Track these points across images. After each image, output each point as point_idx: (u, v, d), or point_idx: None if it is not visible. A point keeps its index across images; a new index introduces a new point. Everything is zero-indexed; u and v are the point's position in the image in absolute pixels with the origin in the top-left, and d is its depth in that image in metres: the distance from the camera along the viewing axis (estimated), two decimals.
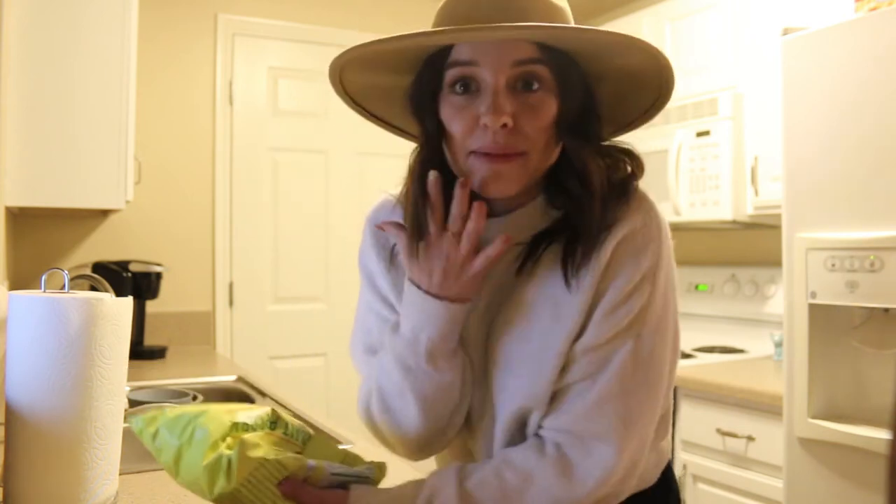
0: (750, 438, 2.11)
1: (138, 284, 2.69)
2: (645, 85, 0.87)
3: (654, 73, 0.85)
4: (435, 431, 0.90)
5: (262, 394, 2.08)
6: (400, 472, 1.08)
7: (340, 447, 0.92)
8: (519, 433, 0.89)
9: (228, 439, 0.80)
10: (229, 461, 0.77)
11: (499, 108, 0.80)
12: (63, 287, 1.01)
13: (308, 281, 3.29)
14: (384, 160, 3.28)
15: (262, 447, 0.80)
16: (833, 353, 1.83)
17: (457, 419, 0.91)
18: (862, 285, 1.71)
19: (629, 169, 0.89)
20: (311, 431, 0.89)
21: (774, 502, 2.02)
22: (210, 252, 3.12)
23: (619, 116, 0.93)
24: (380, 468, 0.89)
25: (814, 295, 1.81)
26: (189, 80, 3.08)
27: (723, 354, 2.64)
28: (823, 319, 1.83)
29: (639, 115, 0.92)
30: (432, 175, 0.84)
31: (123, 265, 2.68)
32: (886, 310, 1.76)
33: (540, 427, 0.87)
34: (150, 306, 2.83)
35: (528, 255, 0.87)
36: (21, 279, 2.61)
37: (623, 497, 0.89)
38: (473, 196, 0.85)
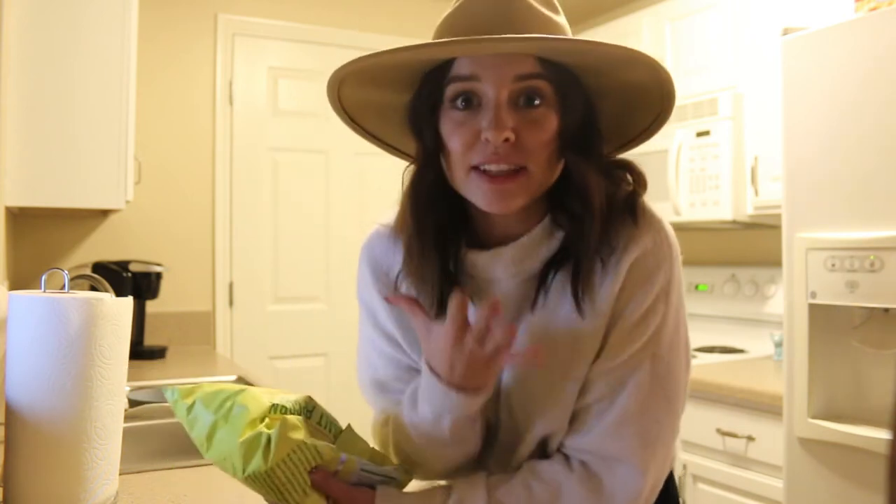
0: (750, 438, 2.11)
1: (138, 284, 2.69)
2: (646, 101, 0.87)
3: (656, 88, 0.84)
4: (454, 471, 0.91)
5: None
6: None
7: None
8: (538, 452, 0.89)
9: (267, 419, 0.80)
10: (269, 439, 0.77)
11: (501, 123, 0.79)
12: (63, 287, 1.01)
13: (308, 281, 3.29)
14: (384, 160, 3.23)
15: (302, 430, 0.80)
16: (833, 353, 1.83)
17: (476, 454, 0.91)
18: (862, 285, 1.71)
19: (631, 186, 0.88)
20: (342, 425, 0.88)
21: (774, 502, 2.02)
22: (210, 252, 3.12)
23: (621, 134, 0.92)
24: (407, 471, 0.88)
25: (814, 295, 1.81)
26: (189, 80, 3.08)
27: (723, 354, 2.64)
28: (823, 319, 1.82)
29: (640, 131, 0.92)
30: (458, 296, 0.80)
31: (123, 265, 2.68)
32: (886, 310, 1.76)
33: (561, 446, 0.87)
34: (150, 306, 2.83)
35: (539, 287, 0.87)
36: (21, 279, 2.61)
37: None
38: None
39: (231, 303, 3.15)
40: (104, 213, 2.84)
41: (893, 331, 1.76)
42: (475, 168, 0.82)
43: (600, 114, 0.88)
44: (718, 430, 2.19)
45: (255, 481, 0.78)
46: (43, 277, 1.01)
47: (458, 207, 0.89)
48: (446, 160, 0.85)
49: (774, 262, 2.39)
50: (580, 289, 0.84)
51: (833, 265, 1.77)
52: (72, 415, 0.94)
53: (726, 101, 2.51)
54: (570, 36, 0.86)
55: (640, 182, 0.88)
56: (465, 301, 0.80)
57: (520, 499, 0.83)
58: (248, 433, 0.78)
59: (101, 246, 2.88)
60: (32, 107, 2.23)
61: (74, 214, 2.76)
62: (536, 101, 0.81)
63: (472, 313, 0.83)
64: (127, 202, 2.38)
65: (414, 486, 0.90)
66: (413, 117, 0.88)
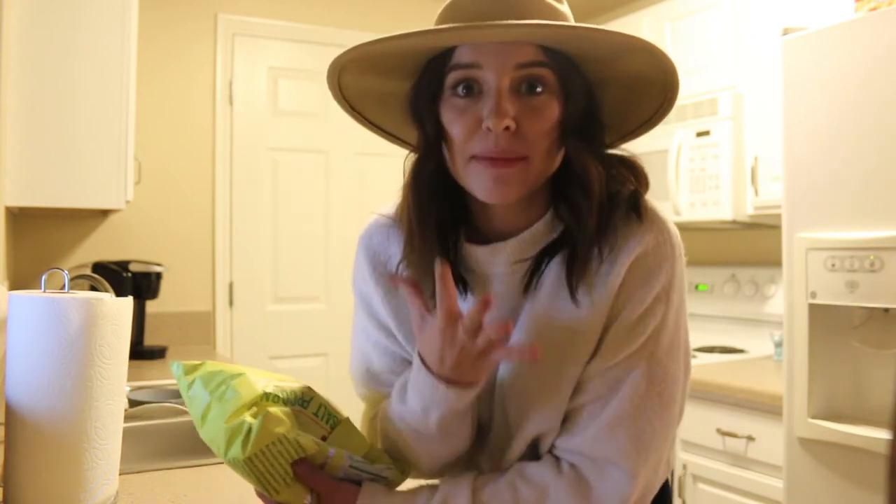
0: (750, 438, 2.11)
1: (138, 284, 2.69)
2: (648, 91, 0.86)
3: (659, 78, 0.83)
4: (442, 468, 0.90)
5: None
6: None
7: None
8: (529, 453, 0.88)
9: (254, 407, 0.80)
10: (250, 429, 0.77)
11: (502, 111, 0.78)
12: (63, 287, 1.01)
13: (308, 281, 3.29)
14: (384, 160, 3.26)
15: (286, 424, 0.79)
16: (833, 353, 1.83)
17: (465, 451, 0.90)
18: (862, 285, 1.71)
19: (633, 184, 0.87)
20: (341, 417, 0.87)
21: (774, 502, 2.02)
22: (210, 252, 3.12)
23: (623, 124, 0.91)
24: (401, 470, 0.88)
25: (814, 295, 1.81)
26: (189, 80, 3.08)
27: (723, 354, 2.64)
28: (823, 319, 1.82)
29: (642, 122, 0.91)
30: (439, 265, 0.79)
31: (123, 265, 2.68)
32: (886, 310, 1.76)
33: (553, 447, 0.86)
34: (150, 306, 2.83)
35: (533, 273, 0.86)
36: (21, 279, 2.61)
37: None
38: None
39: (231, 303, 3.15)
40: (104, 213, 2.84)
41: (893, 331, 1.76)
42: (475, 157, 0.81)
43: (602, 104, 0.87)
44: (718, 430, 2.19)
45: (235, 466, 0.79)
46: (43, 277, 1.01)
47: (459, 200, 0.88)
48: (448, 149, 0.84)
49: (774, 262, 2.39)
50: (575, 277, 0.83)
51: (833, 265, 1.77)
52: (72, 415, 0.94)
53: (726, 101, 2.51)
54: (572, 21, 0.86)
55: (641, 180, 0.87)
56: (448, 272, 0.78)
57: (505, 499, 0.82)
58: (234, 419, 0.78)
59: (101, 246, 2.88)
60: (32, 107, 2.23)
61: (74, 214, 2.76)
62: (538, 89, 0.81)
63: (502, 275, 0.83)
64: (127, 202, 2.38)
65: (407, 486, 0.89)
66: (414, 105, 0.87)
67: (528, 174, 0.81)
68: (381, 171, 3.31)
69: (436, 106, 0.85)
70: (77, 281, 1.56)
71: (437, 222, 0.86)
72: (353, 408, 0.98)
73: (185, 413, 1.61)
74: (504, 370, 0.88)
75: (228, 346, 3.14)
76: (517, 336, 0.86)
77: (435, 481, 0.88)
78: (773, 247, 2.26)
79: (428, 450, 0.86)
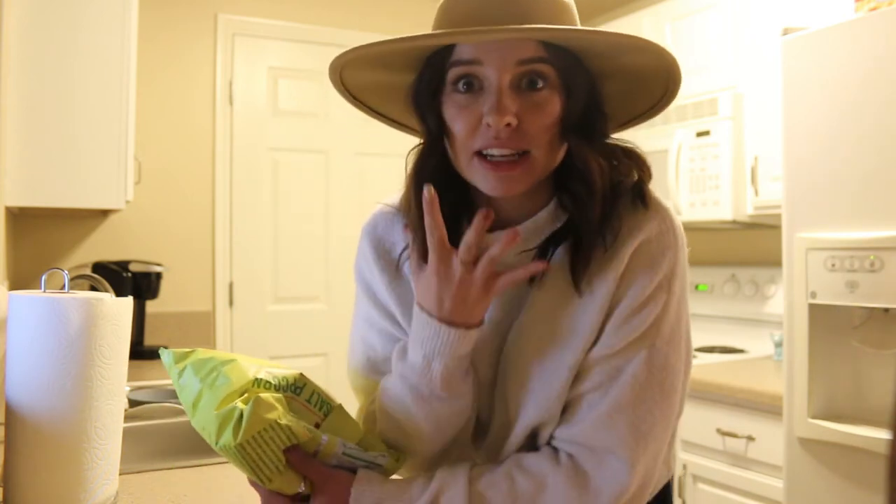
0: (750, 438, 2.11)
1: (138, 284, 2.69)
2: (651, 82, 0.86)
3: (661, 71, 0.84)
4: (441, 450, 0.89)
5: None
6: None
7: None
8: (528, 445, 0.87)
9: (246, 394, 0.79)
10: (241, 415, 0.76)
11: (503, 108, 0.78)
12: (63, 287, 1.01)
13: (308, 281, 3.29)
14: (384, 160, 3.28)
15: (278, 410, 0.79)
16: (833, 353, 1.83)
17: (463, 436, 0.89)
18: (862, 285, 1.71)
19: (636, 174, 0.87)
20: (334, 404, 0.86)
21: (774, 502, 2.02)
22: (210, 252, 3.12)
23: (624, 113, 0.92)
24: (396, 458, 0.87)
25: (814, 295, 1.81)
26: (189, 80, 3.08)
27: (723, 354, 2.64)
28: (823, 319, 1.82)
29: (644, 111, 0.91)
30: (427, 190, 0.78)
31: (123, 265, 2.68)
32: (886, 310, 1.76)
33: (552, 438, 0.85)
34: (150, 306, 2.83)
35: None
36: (21, 279, 2.61)
37: None
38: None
39: (231, 303, 3.15)
40: (104, 213, 2.84)
41: (893, 331, 1.76)
42: (478, 154, 0.81)
43: (604, 94, 0.87)
44: (718, 430, 2.19)
45: (227, 453, 0.78)
46: (43, 277, 1.01)
47: (463, 190, 0.88)
48: (450, 144, 0.85)
49: (774, 262, 2.39)
50: (579, 268, 0.83)
51: (833, 265, 1.77)
52: (72, 415, 0.94)
53: (726, 101, 2.51)
54: (575, 16, 0.86)
55: (644, 171, 0.88)
56: (436, 199, 0.77)
57: (501, 490, 0.81)
58: (225, 406, 0.77)
59: (101, 246, 2.88)
60: (32, 107, 2.23)
61: (74, 214, 2.76)
62: (539, 85, 0.81)
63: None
64: (127, 202, 2.38)
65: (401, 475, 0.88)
66: (416, 100, 0.88)
67: (531, 170, 0.82)
68: (381, 171, 3.31)
69: (437, 101, 0.85)
70: (77, 281, 1.56)
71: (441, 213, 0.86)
72: (352, 408, 0.97)
73: (185, 413, 1.61)
74: (506, 360, 0.87)
75: (228, 346, 3.14)
76: (520, 320, 0.86)
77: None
78: (773, 247, 2.26)
79: (429, 414, 0.84)
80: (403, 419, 0.86)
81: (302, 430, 0.79)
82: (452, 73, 0.83)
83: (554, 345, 0.84)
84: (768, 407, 2.04)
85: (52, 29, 2.25)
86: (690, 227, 2.87)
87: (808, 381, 1.81)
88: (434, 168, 0.87)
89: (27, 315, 0.94)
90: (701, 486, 2.26)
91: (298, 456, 0.80)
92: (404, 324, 0.92)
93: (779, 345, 2.46)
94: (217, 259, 3.12)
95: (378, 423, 0.89)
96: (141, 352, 2.66)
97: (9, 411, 0.96)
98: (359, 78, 0.89)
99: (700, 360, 2.54)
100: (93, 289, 1.57)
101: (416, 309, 0.82)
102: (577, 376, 0.84)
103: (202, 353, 0.83)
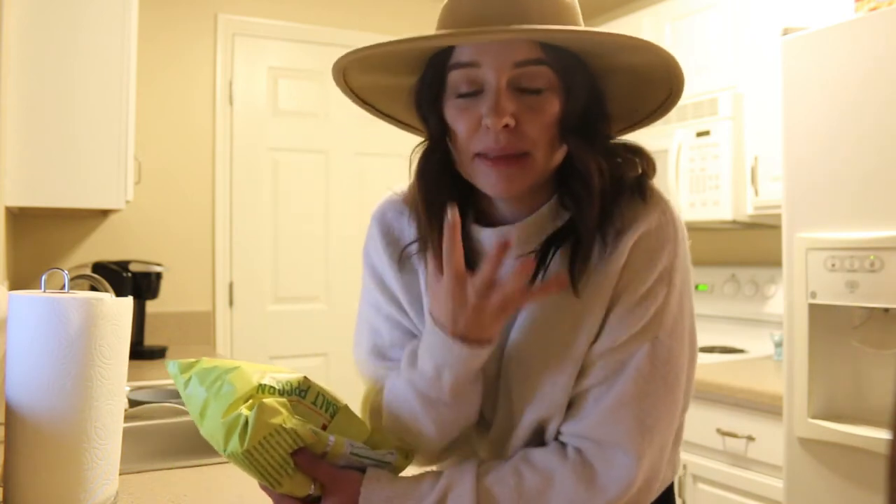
0: (750, 438, 2.11)
1: (138, 284, 2.69)
2: (654, 81, 0.86)
3: (663, 69, 0.84)
4: (445, 447, 0.89)
5: None
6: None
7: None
8: (535, 440, 0.87)
9: (250, 400, 0.79)
10: (246, 421, 0.77)
11: (500, 110, 0.79)
12: (63, 287, 1.01)
13: (308, 281, 3.29)
14: (384, 160, 3.29)
15: (282, 414, 0.79)
16: (833, 353, 1.83)
17: (467, 431, 0.90)
18: (862, 285, 1.71)
19: (640, 168, 0.88)
20: (340, 404, 0.86)
21: (774, 502, 2.02)
22: (210, 252, 3.12)
23: (631, 112, 0.92)
24: (405, 455, 0.87)
25: (814, 295, 1.81)
26: (189, 80, 3.08)
27: (723, 354, 2.64)
28: (823, 319, 1.82)
29: (651, 110, 0.91)
30: (452, 213, 0.78)
31: (123, 265, 2.68)
32: (886, 310, 1.76)
33: (559, 434, 0.85)
34: (150, 306, 2.83)
35: (539, 264, 0.86)
36: (21, 279, 2.61)
37: None
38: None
39: (231, 303, 3.15)
40: (104, 213, 2.84)
41: (893, 331, 1.76)
42: (478, 155, 0.82)
43: (607, 95, 0.87)
44: (718, 430, 2.19)
45: (235, 460, 0.78)
46: (43, 277, 1.01)
47: (466, 188, 0.89)
48: (453, 145, 0.85)
49: (774, 262, 2.39)
50: (577, 268, 0.83)
51: (833, 265, 1.77)
52: (72, 415, 0.94)
53: (726, 101, 2.51)
54: (577, 15, 0.86)
55: (649, 164, 0.88)
56: (458, 222, 0.78)
57: (509, 486, 0.81)
58: (231, 413, 0.78)
59: (101, 246, 2.88)
60: (32, 107, 2.23)
61: (74, 214, 2.76)
62: (537, 87, 0.81)
63: (509, 265, 0.82)
64: (127, 202, 2.38)
65: (410, 471, 0.88)
66: (418, 102, 0.89)
67: (531, 169, 0.83)
68: (381, 171, 3.31)
69: (439, 103, 0.86)
70: (77, 281, 1.56)
71: (445, 209, 0.86)
72: (356, 404, 0.97)
73: (185, 413, 1.61)
74: (509, 355, 0.88)
75: (228, 346, 3.14)
76: (520, 317, 0.87)
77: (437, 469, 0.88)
78: (773, 247, 2.26)
79: (436, 419, 0.84)
80: (409, 421, 0.86)
81: (307, 432, 0.80)
82: (452, 76, 0.83)
83: (557, 339, 0.84)
84: (768, 407, 2.04)
85: (52, 29, 2.25)
86: (690, 227, 2.85)
87: (808, 381, 1.81)
88: (437, 170, 0.87)
89: (27, 315, 0.94)
90: (701, 486, 2.26)
91: (306, 458, 0.80)
92: (410, 312, 0.93)
93: (779, 345, 2.46)
94: (217, 259, 3.12)
95: (384, 419, 0.89)
96: (141, 352, 2.66)
97: (9, 411, 0.96)
98: (362, 80, 0.90)
99: (700, 360, 2.51)
100: (93, 289, 1.57)
101: (428, 318, 0.82)
102: (582, 371, 0.84)
103: (206, 362, 0.84)
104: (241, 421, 0.77)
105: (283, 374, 0.85)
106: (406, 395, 0.85)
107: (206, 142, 3.11)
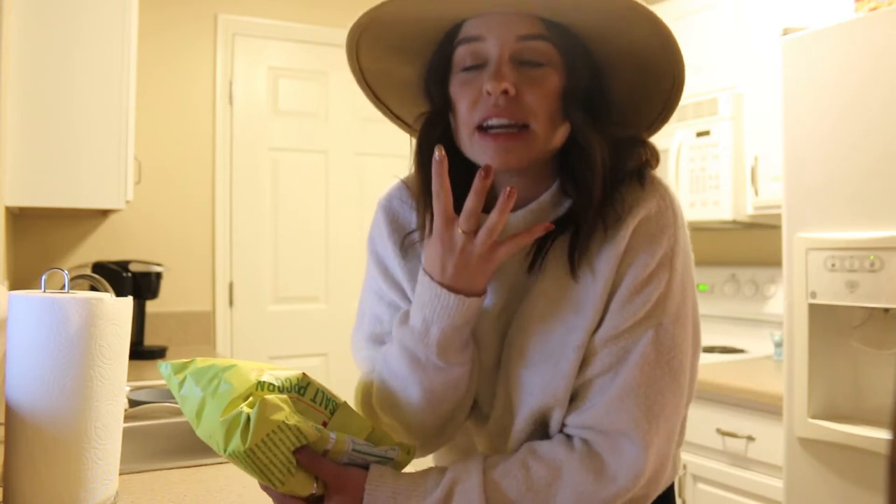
0: (750, 438, 2.11)
1: (138, 284, 2.69)
2: (656, 78, 0.87)
3: (662, 55, 0.84)
4: (436, 427, 0.89)
5: None
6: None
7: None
8: (537, 433, 0.87)
9: (250, 398, 0.78)
10: (248, 419, 0.76)
11: (500, 75, 0.81)
12: (63, 287, 1.01)
13: (308, 281, 3.29)
14: (384, 160, 3.29)
15: (284, 410, 0.78)
16: (833, 353, 1.83)
17: (459, 415, 0.89)
18: (862, 285, 1.71)
19: (643, 158, 0.88)
20: (339, 401, 0.86)
21: (774, 502, 2.02)
22: (210, 252, 3.12)
23: (637, 119, 0.93)
24: (406, 450, 0.86)
25: (814, 295, 1.81)
26: (189, 80, 3.08)
27: (723, 354, 2.64)
28: (823, 319, 1.82)
29: (656, 114, 0.92)
30: (438, 151, 0.79)
31: (123, 265, 2.68)
32: (886, 310, 1.76)
33: (564, 425, 0.85)
34: (150, 306, 2.83)
35: (538, 250, 0.86)
36: (21, 279, 2.62)
37: (651, 500, 0.87)
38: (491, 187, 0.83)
39: (231, 303, 3.15)
40: (104, 213, 2.84)
41: (893, 331, 1.76)
42: (479, 128, 0.83)
43: (612, 92, 0.88)
44: (718, 430, 2.19)
45: (236, 460, 0.77)
46: (43, 277, 1.01)
47: (467, 172, 0.88)
48: (455, 123, 0.86)
49: (774, 262, 2.39)
50: (577, 254, 0.84)
51: (833, 265, 1.77)
52: (72, 415, 0.94)
53: (726, 101, 2.51)
54: None
55: (652, 156, 0.89)
56: (445, 161, 0.78)
57: (517, 479, 0.81)
58: (230, 411, 0.77)
59: (101, 246, 2.88)
60: (32, 107, 2.23)
61: (74, 214, 2.76)
62: (538, 61, 0.83)
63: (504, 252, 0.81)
64: (127, 202, 2.38)
65: (412, 467, 0.88)
66: (426, 84, 0.90)
67: (531, 143, 0.83)
68: (381, 171, 3.31)
69: (446, 86, 0.87)
70: (77, 281, 1.56)
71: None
72: (353, 404, 0.97)
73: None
74: (510, 342, 0.88)
75: (228, 346, 3.14)
76: (523, 303, 0.87)
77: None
78: (773, 247, 2.26)
79: (422, 381, 0.84)
80: (398, 388, 0.86)
81: (310, 429, 0.79)
82: (458, 52, 0.85)
83: (557, 326, 0.84)
84: (768, 407, 2.04)
85: (52, 29, 2.25)
86: (690, 227, 2.85)
87: (808, 381, 1.81)
88: (438, 142, 0.87)
89: (27, 315, 0.94)
90: (701, 486, 2.26)
91: (308, 456, 0.79)
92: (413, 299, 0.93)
93: (779, 345, 2.46)
94: (217, 259, 3.12)
95: (374, 394, 0.90)
96: (141, 352, 2.66)
97: (9, 411, 0.96)
98: (372, 66, 0.92)
99: (700, 360, 2.53)
100: (93, 289, 1.57)
101: (420, 273, 0.83)
102: (585, 360, 0.84)
103: (201, 361, 0.83)
104: (243, 419, 0.76)
105: (281, 371, 0.84)
106: (395, 359, 0.86)
107: (206, 142, 3.11)
